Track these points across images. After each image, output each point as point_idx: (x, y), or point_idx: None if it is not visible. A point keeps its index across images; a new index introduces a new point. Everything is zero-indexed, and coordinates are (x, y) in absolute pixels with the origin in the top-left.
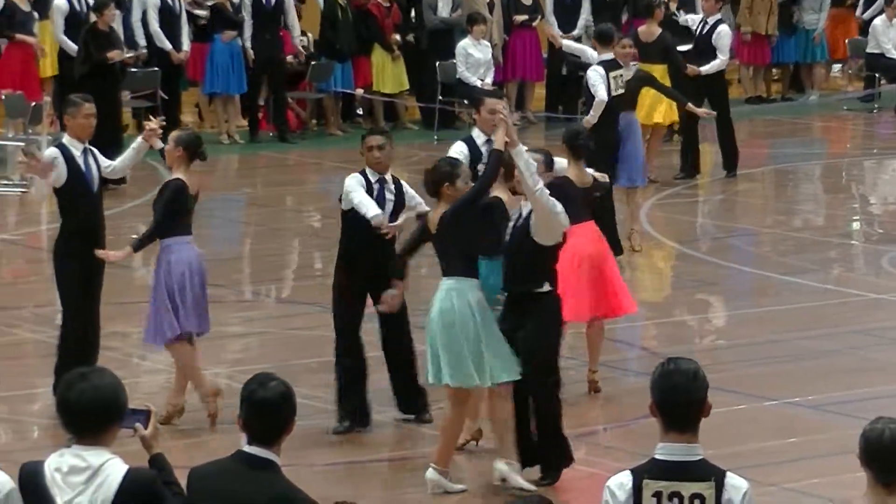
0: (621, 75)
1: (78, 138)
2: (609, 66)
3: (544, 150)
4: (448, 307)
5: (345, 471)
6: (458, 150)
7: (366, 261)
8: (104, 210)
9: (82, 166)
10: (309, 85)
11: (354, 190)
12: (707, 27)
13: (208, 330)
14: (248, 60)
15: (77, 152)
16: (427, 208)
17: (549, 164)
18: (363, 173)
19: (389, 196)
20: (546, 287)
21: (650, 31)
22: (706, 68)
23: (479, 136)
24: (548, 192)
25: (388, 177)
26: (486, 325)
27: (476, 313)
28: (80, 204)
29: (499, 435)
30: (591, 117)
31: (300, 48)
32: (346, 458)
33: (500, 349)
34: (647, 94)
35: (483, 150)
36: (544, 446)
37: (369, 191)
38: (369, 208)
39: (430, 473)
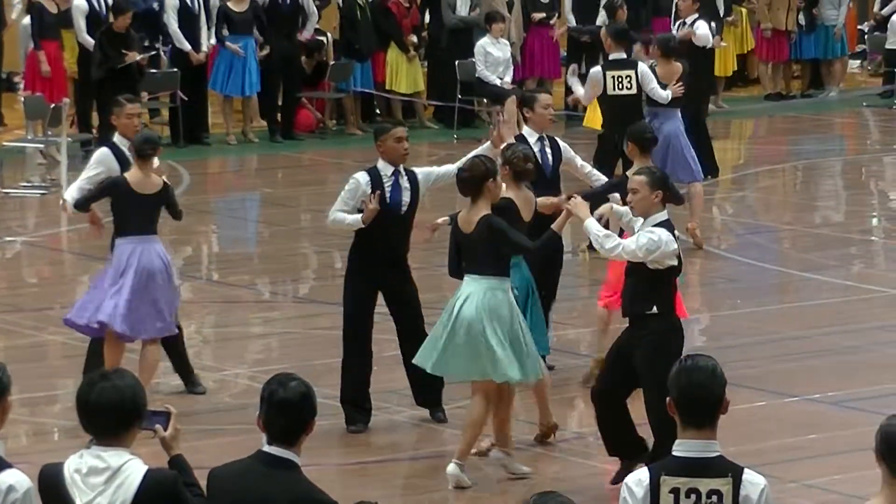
0: (629, 76)
1: (125, 136)
2: (611, 65)
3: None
4: (493, 304)
5: (366, 471)
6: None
7: (378, 250)
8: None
9: (387, 187)
10: (328, 85)
11: (340, 200)
12: (685, 28)
13: (141, 336)
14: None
15: (386, 177)
16: (445, 169)
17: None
18: (373, 171)
19: (406, 185)
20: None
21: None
22: (699, 34)
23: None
24: (628, 245)
25: (401, 168)
26: (517, 324)
27: (513, 312)
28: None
29: (465, 436)
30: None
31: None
32: (367, 458)
33: (518, 348)
34: None
35: (536, 148)
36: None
37: (378, 185)
38: (350, 223)
39: (451, 468)
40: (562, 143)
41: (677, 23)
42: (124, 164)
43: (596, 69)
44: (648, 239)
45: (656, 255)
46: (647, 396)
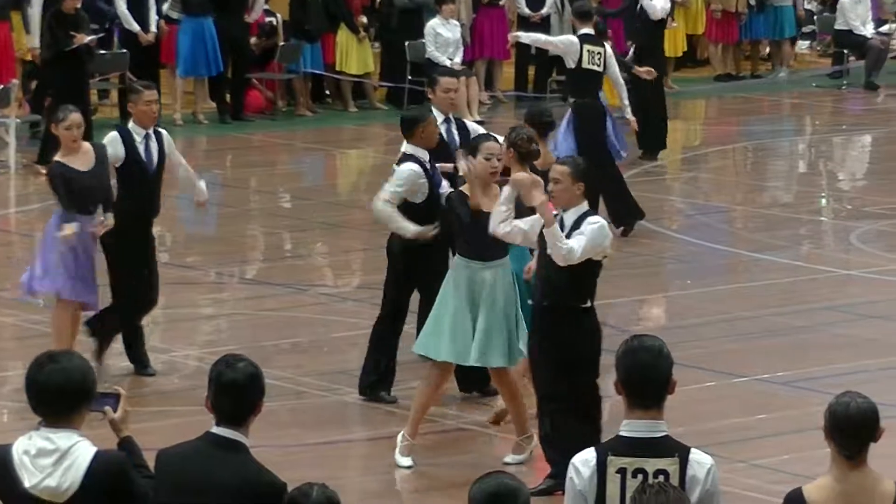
0: (599, 53)
1: (141, 124)
2: (586, 39)
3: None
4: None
5: (317, 451)
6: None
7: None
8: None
9: (141, 152)
10: (278, 66)
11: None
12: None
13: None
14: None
15: (138, 138)
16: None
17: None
18: (417, 160)
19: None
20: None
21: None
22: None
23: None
24: (577, 246)
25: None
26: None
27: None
28: (135, 187)
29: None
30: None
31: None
32: (318, 438)
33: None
34: None
35: (442, 129)
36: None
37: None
38: (407, 230)
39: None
40: (471, 125)
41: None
42: (131, 151)
43: (573, 38)
44: (598, 233)
45: (603, 246)
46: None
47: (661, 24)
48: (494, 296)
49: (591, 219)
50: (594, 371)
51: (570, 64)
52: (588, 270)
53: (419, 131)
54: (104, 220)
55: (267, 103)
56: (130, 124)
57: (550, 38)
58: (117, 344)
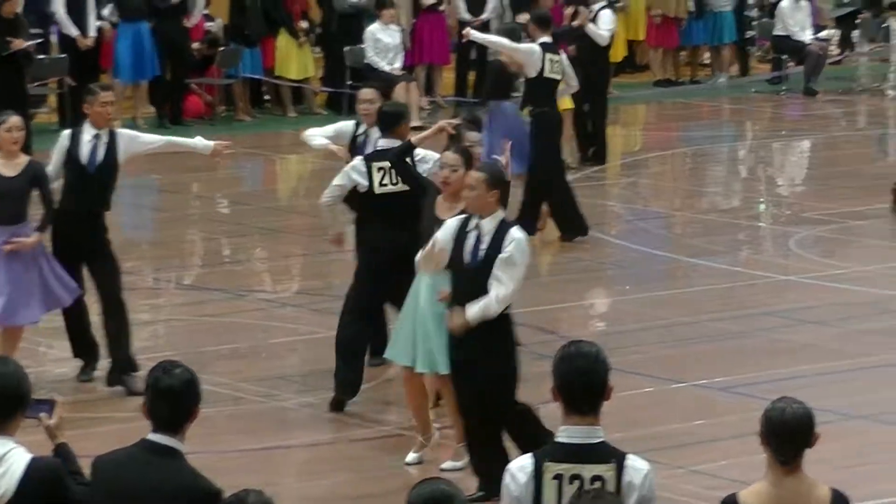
0: (559, 62)
1: (95, 125)
2: (547, 48)
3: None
4: None
5: (254, 457)
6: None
7: (388, 245)
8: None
9: (85, 152)
10: (217, 71)
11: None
12: (592, 15)
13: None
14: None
15: (87, 137)
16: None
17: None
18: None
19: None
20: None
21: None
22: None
23: (87, 128)
24: (504, 292)
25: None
26: None
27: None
28: (74, 184)
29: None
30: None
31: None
32: (255, 444)
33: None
34: None
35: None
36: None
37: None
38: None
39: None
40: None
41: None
42: (74, 149)
43: (534, 46)
44: (522, 252)
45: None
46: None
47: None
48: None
49: (516, 235)
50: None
51: (532, 73)
52: None
53: (402, 127)
54: (21, 238)
55: (206, 108)
56: (85, 124)
57: (514, 45)
58: (54, 350)
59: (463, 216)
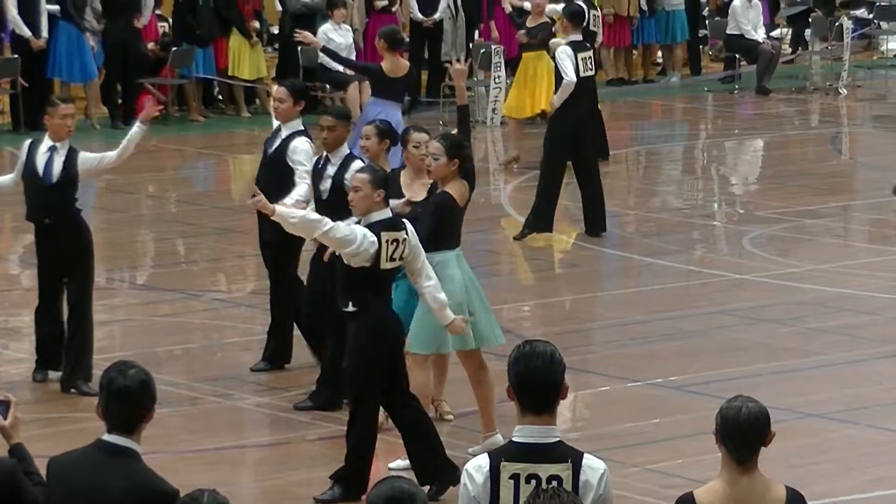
0: (590, 57)
1: (54, 137)
2: (577, 47)
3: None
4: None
5: (210, 457)
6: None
7: None
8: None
9: (40, 163)
10: (170, 71)
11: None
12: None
13: None
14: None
15: (44, 147)
16: None
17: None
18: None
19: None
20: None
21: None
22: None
23: (46, 139)
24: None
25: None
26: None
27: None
28: (30, 195)
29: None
30: (557, 100)
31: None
32: (211, 444)
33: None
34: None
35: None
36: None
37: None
38: None
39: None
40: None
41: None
42: (30, 159)
43: (567, 49)
44: (352, 231)
45: (351, 250)
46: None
47: None
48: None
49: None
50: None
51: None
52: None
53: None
54: None
55: (161, 107)
56: (46, 137)
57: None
58: (8, 351)
59: None
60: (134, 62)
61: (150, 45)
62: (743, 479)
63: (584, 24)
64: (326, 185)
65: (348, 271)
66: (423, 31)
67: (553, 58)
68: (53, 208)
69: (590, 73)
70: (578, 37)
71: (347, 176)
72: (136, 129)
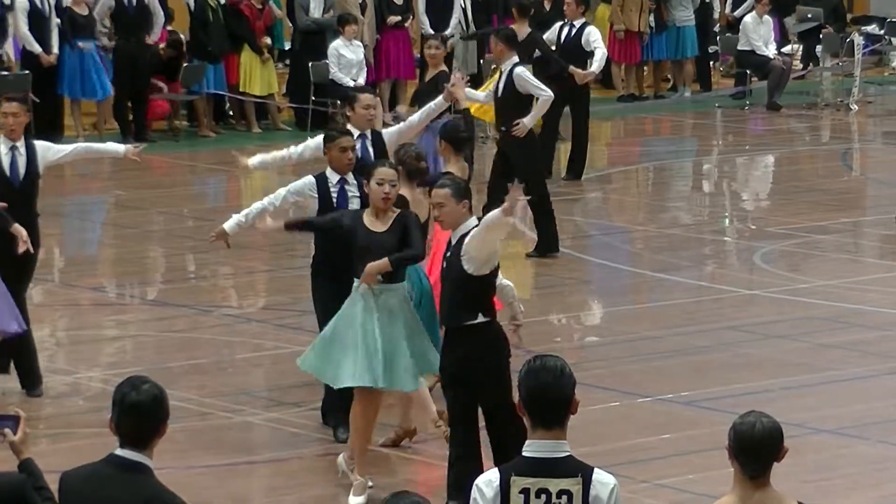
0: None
1: (6, 136)
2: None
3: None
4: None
5: (220, 473)
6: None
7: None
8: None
9: (4, 163)
10: (181, 86)
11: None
12: (574, 30)
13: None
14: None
15: (4, 149)
16: None
17: None
18: (320, 177)
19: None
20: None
21: (520, 30)
22: (595, 67)
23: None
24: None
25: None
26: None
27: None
28: (3, 199)
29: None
30: (531, 119)
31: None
32: (222, 460)
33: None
34: None
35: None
36: None
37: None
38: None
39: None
40: (386, 133)
41: (560, 26)
42: None
43: (523, 68)
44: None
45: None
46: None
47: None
48: (392, 317)
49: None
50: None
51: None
52: (479, 285)
53: (325, 150)
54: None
55: (170, 106)
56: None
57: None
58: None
59: None
60: (144, 79)
61: (161, 45)
62: (755, 494)
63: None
64: None
65: (471, 282)
66: None
67: None
68: (24, 209)
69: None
70: (516, 59)
71: None
72: (121, 148)
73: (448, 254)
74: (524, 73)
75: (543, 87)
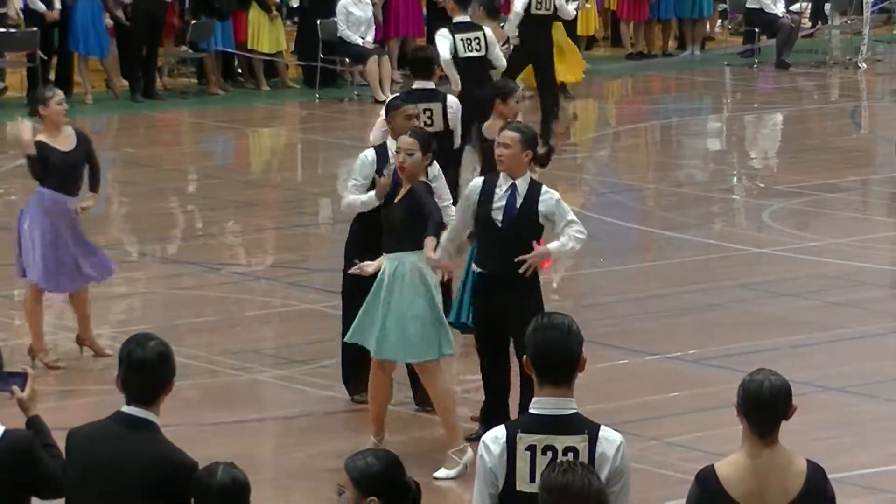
0: (476, 38)
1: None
2: (459, 28)
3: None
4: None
5: (229, 430)
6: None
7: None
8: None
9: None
10: (190, 44)
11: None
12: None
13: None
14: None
15: None
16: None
17: None
18: (381, 148)
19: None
20: None
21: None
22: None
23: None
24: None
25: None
26: None
27: None
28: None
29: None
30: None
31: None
32: (230, 417)
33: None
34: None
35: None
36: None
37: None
38: (365, 202)
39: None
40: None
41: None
42: None
43: (443, 30)
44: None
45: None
46: None
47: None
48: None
49: (557, 196)
50: None
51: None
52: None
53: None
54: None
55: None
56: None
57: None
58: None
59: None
60: (156, 36)
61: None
62: (764, 452)
63: (470, 5)
64: None
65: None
66: (440, 9)
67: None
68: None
69: (474, 53)
70: (465, 18)
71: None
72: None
73: (513, 200)
74: (437, 34)
75: (441, 50)
